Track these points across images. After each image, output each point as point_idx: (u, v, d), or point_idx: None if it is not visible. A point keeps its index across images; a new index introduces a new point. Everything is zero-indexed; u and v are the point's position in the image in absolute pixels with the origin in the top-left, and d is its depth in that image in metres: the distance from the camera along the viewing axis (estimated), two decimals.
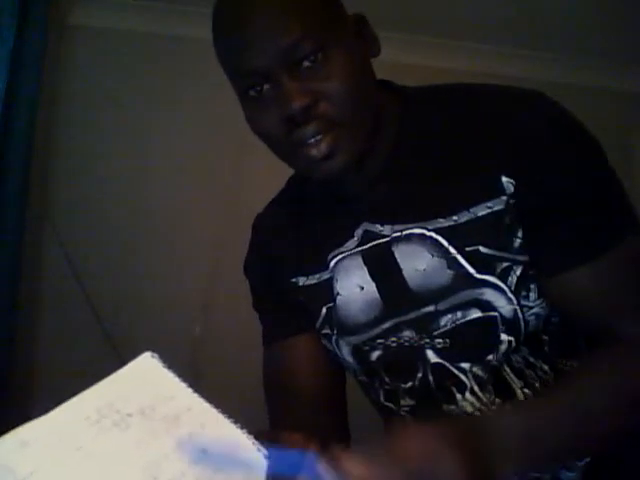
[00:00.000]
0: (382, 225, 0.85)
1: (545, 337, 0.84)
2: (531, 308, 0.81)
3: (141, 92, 2.25)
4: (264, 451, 0.63)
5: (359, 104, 0.78)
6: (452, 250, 0.81)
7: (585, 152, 0.80)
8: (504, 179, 0.79)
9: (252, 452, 0.63)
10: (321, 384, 0.96)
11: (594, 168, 0.80)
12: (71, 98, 2.21)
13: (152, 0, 2.24)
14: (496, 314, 0.81)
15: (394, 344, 0.87)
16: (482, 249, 0.80)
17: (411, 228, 0.83)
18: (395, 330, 0.86)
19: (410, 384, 0.88)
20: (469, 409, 0.85)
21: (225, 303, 2.20)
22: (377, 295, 0.87)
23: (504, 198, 0.79)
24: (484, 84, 0.86)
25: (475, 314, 0.81)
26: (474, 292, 0.81)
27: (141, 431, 0.65)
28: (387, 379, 0.90)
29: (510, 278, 0.80)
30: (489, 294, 0.81)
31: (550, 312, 0.82)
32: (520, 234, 0.80)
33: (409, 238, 0.83)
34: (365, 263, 0.87)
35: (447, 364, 0.85)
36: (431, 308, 0.83)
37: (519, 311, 0.81)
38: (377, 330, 0.88)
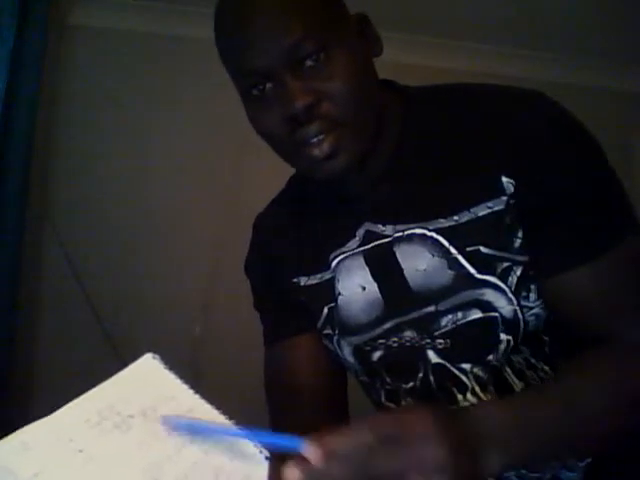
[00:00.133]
0: (384, 225, 0.85)
1: (546, 338, 0.84)
2: (531, 309, 0.81)
3: (141, 92, 2.25)
4: (265, 452, 0.63)
5: (362, 104, 0.78)
6: (453, 250, 0.81)
7: (585, 152, 0.80)
8: (504, 179, 0.79)
9: (253, 453, 0.63)
10: (322, 384, 0.96)
11: (594, 168, 0.80)
12: (71, 98, 2.21)
13: (152, 0, 2.24)
14: (496, 314, 0.81)
15: (395, 344, 0.87)
16: (483, 249, 0.80)
17: (412, 228, 0.83)
18: (396, 330, 0.86)
19: (411, 384, 0.88)
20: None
21: (225, 303, 2.20)
22: (379, 295, 0.87)
23: (504, 198, 0.79)
24: (484, 84, 0.86)
25: (475, 314, 0.81)
26: (475, 292, 0.81)
27: (143, 433, 0.65)
28: (388, 379, 0.90)
29: (510, 278, 0.80)
30: (490, 294, 0.81)
31: (550, 313, 0.82)
32: (520, 234, 0.80)
33: (410, 238, 0.83)
34: (367, 263, 0.87)
35: (448, 365, 0.85)
36: (432, 308, 0.83)
37: (519, 311, 0.81)
38: (378, 330, 0.88)
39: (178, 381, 0.69)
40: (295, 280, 0.95)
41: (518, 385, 0.84)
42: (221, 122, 2.14)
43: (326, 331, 0.93)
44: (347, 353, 0.92)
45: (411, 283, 0.84)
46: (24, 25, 2.00)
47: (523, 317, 0.81)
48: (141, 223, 2.25)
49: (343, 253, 0.89)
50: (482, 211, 0.80)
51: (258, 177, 1.90)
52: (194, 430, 0.64)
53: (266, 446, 0.64)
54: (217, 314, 2.27)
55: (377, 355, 0.89)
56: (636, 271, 0.80)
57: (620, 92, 2.63)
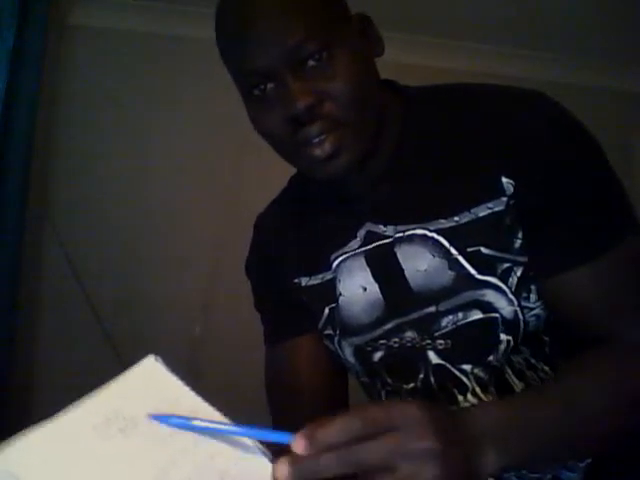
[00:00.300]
0: (385, 226, 0.85)
1: (546, 338, 0.84)
2: (532, 309, 0.81)
3: (141, 92, 2.25)
4: (269, 455, 0.63)
5: (363, 104, 0.78)
6: (453, 251, 0.81)
7: (585, 152, 0.80)
8: (504, 180, 0.79)
9: (257, 456, 0.63)
10: (323, 385, 0.96)
11: (594, 168, 0.80)
12: (71, 98, 2.21)
13: (152, 0, 2.24)
14: (497, 315, 0.81)
15: (396, 345, 0.87)
16: (483, 250, 0.80)
17: (413, 229, 0.83)
18: (397, 331, 0.86)
19: (412, 385, 0.88)
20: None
21: (225, 303, 2.20)
22: (380, 296, 0.87)
23: (504, 199, 0.79)
24: (484, 84, 0.86)
25: (476, 315, 0.81)
26: (475, 293, 0.81)
27: (147, 437, 0.64)
28: (389, 380, 0.90)
29: (511, 279, 0.80)
30: (490, 295, 0.81)
31: (550, 313, 0.82)
32: (520, 235, 0.80)
33: (411, 239, 0.83)
34: (368, 264, 0.87)
35: (448, 365, 0.85)
36: (432, 309, 0.83)
37: (520, 312, 0.81)
38: (379, 331, 0.88)
39: (180, 383, 0.69)
40: (296, 280, 0.95)
41: (518, 385, 0.84)
42: (221, 122, 2.14)
43: (327, 332, 0.93)
44: (348, 354, 0.92)
45: (412, 284, 0.84)
46: (24, 25, 2.00)
47: (523, 318, 0.81)
48: (141, 223, 2.25)
49: (344, 254, 0.89)
50: (482, 212, 0.80)
51: (258, 177, 1.90)
52: (183, 426, 0.64)
53: (257, 441, 0.63)
54: (217, 314, 2.27)
55: (378, 356, 0.89)
56: (636, 271, 0.80)
57: (620, 92, 2.63)
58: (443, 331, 0.83)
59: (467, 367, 0.84)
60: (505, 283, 0.80)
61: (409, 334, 0.86)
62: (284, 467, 0.57)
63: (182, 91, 2.25)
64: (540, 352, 0.84)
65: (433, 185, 0.83)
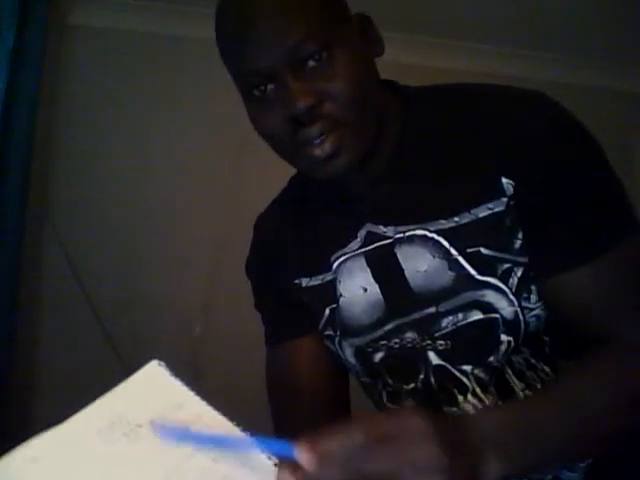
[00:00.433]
0: (385, 226, 0.85)
1: (546, 338, 0.84)
2: (532, 310, 0.81)
3: (141, 92, 2.25)
4: (274, 460, 0.63)
5: (363, 104, 0.78)
6: (453, 251, 0.81)
7: (585, 152, 0.80)
8: (504, 180, 0.79)
9: (261, 459, 0.63)
10: (324, 385, 0.96)
11: (594, 168, 0.80)
12: (71, 98, 2.21)
13: (152, 0, 2.24)
14: (497, 316, 0.81)
15: (397, 346, 0.87)
16: (483, 250, 0.80)
17: (413, 229, 0.83)
18: (398, 331, 0.86)
19: (412, 386, 0.88)
20: (471, 411, 0.84)
21: (225, 303, 2.20)
22: (380, 297, 0.87)
23: (504, 199, 0.79)
24: (484, 84, 0.86)
25: (476, 316, 0.81)
26: (475, 294, 0.81)
27: (151, 442, 0.64)
28: (390, 381, 0.90)
29: (511, 280, 0.80)
30: (490, 296, 0.81)
31: (550, 313, 0.82)
32: (521, 235, 0.80)
33: (411, 239, 0.83)
34: (368, 264, 0.87)
35: (449, 366, 0.85)
36: (432, 309, 0.83)
37: (520, 313, 0.81)
38: (380, 332, 0.88)
39: (184, 388, 0.69)
40: (296, 281, 0.95)
41: (518, 385, 0.84)
42: (221, 122, 2.14)
43: (327, 332, 0.93)
44: (349, 354, 0.92)
45: (412, 284, 0.84)
46: (24, 25, 2.00)
47: (524, 318, 0.81)
48: (141, 223, 2.25)
49: (344, 254, 0.89)
50: (482, 212, 0.80)
51: (258, 177, 1.89)
52: (184, 438, 0.64)
53: (260, 451, 0.63)
54: (217, 314, 2.27)
55: (378, 356, 0.89)
56: (636, 271, 0.80)
57: (620, 92, 2.63)
58: (443, 332, 0.83)
59: (467, 367, 0.84)
60: (505, 284, 0.80)
61: (409, 335, 0.86)
62: (287, 477, 0.56)
63: (182, 91, 2.25)
64: (540, 352, 0.84)
65: (433, 185, 0.83)
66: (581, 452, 0.77)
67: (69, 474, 0.63)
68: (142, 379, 0.70)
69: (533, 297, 0.81)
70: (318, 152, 0.77)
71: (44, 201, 2.18)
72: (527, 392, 0.83)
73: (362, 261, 0.87)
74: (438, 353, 0.85)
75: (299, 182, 0.98)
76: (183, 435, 0.63)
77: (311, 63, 0.75)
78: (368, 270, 0.87)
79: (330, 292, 0.90)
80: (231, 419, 0.67)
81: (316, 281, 0.92)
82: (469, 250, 0.80)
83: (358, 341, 0.90)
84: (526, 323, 0.81)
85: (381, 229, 0.85)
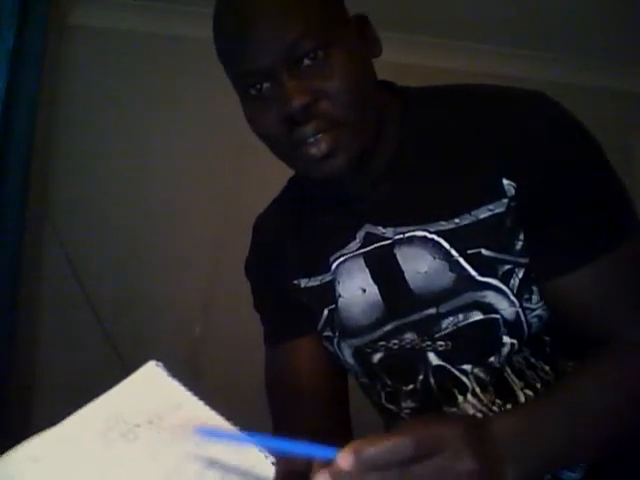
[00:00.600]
0: (384, 227, 0.85)
1: (547, 338, 0.83)
2: (533, 310, 0.81)
3: (141, 92, 2.25)
4: (271, 458, 0.63)
5: (360, 103, 0.78)
6: (454, 253, 0.81)
7: (585, 152, 0.80)
8: (505, 181, 0.79)
9: (260, 459, 0.63)
10: (323, 385, 0.96)
11: (594, 168, 0.80)
12: (71, 98, 2.21)
13: (152, 0, 2.24)
14: (498, 316, 0.81)
15: (396, 346, 0.87)
16: (484, 252, 0.80)
17: (413, 230, 0.83)
18: (397, 332, 0.86)
19: (411, 386, 0.88)
20: (470, 411, 0.84)
21: (225, 303, 2.20)
22: (379, 297, 0.86)
23: (505, 201, 0.79)
24: (484, 85, 0.86)
25: (477, 316, 0.81)
26: (476, 295, 0.81)
27: (149, 442, 0.64)
28: (388, 381, 0.90)
29: (512, 281, 0.80)
30: (491, 297, 0.80)
31: (552, 313, 0.82)
32: (521, 236, 0.80)
33: (411, 240, 0.83)
34: (367, 265, 0.87)
35: (448, 366, 0.85)
36: (432, 310, 0.83)
37: (521, 313, 0.81)
38: (379, 332, 0.88)
39: (182, 388, 0.69)
40: (295, 282, 0.95)
41: (518, 384, 0.84)
42: (221, 122, 2.14)
43: (326, 333, 0.93)
44: (347, 355, 0.92)
45: (412, 285, 0.83)
46: (24, 25, 2.00)
47: (526, 319, 0.81)
48: (141, 223, 2.25)
49: (343, 255, 0.88)
50: (483, 214, 0.80)
51: (258, 177, 1.89)
52: (219, 437, 0.63)
53: (299, 455, 0.62)
54: (217, 314, 2.27)
55: (377, 357, 0.89)
56: (636, 271, 0.80)
57: (620, 92, 2.63)
58: (443, 332, 0.83)
59: (467, 367, 0.84)
60: (506, 284, 0.80)
61: (409, 335, 0.86)
62: (325, 478, 0.56)
63: (182, 91, 2.25)
64: (541, 352, 0.84)
65: (433, 186, 0.83)
66: (586, 453, 0.77)
67: (68, 473, 0.63)
68: (140, 379, 0.71)
69: (534, 297, 0.81)
70: (314, 151, 0.77)
71: (44, 201, 2.18)
72: (527, 391, 0.83)
73: (361, 262, 0.87)
74: (438, 354, 0.85)
75: (298, 182, 0.98)
76: (221, 434, 0.63)
77: (307, 62, 0.75)
78: (367, 271, 0.87)
79: (329, 293, 0.90)
80: (231, 419, 0.67)
81: (315, 282, 0.92)
82: (470, 251, 0.80)
83: (357, 342, 0.90)
84: (528, 324, 0.81)
85: (380, 230, 0.85)
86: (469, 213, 0.80)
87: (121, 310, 2.20)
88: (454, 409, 0.85)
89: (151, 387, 0.70)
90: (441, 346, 0.84)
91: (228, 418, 0.68)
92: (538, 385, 0.84)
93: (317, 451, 0.58)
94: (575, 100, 0.91)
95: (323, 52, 0.75)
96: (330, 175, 0.79)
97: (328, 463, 0.57)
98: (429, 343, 0.85)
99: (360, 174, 0.84)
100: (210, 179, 2.27)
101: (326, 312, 0.91)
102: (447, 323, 0.83)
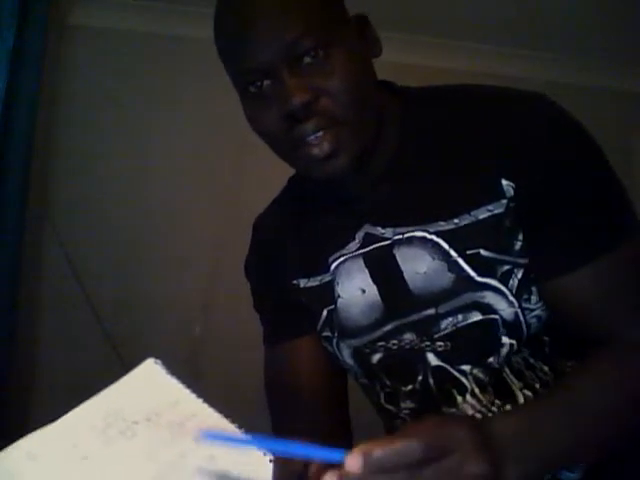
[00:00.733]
0: (384, 228, 0.85)
1: (546, 338, 0.84)
2: (532, 310, 0.81)
3: (141, 92, 2.25)
4: (269, 456, 0.63)
5: (360, 102, 0.78)
6: (453, 253, 0.81)
7: (585, 152, 0.80)
8: (504, 182, 0.79)
9: (258, 457, 0.63)
10: (323, 385, 0.96)
11: (594, 168, 0.80)
12: (71, 98, 2.21)
13: (152, 0, 2.24)
14: (497, 317, 0.81)
15: (395, 347, 0.87)
16: (483, 252, 0.80)
17: (412, 231, 0.83)
18: (396, 333, 0.86)
19: (411, 387, 0.88)
20: (469, 411, 0.84)
21: (225, 303, 2.20)
22: (378, 298, 0.86)
23: (504, 201, 0.79)
24: (484, 85, 0.86)
25: (476, 317, 0.81)
26: (475, 295, 0.81)
27: (147, 439, 0.64)
28: (388, 382, 0.90)
29: (511, 281, 0.80)
30: (490, 297, 0.80)
31: (551, 314, 0.82)
32: (521, 237, 0.80)
33: (410, 241, 0.83)
34: (367, 266, 0.87)
35: (448, 367, 0.85)
36: (432, 311, 0.83)
37: (520, 314, 0.81)
38: (378, 333, 0.87)
39: (180, 386, 0.69)
40: (295, 282, 0.95)
41: (517, 385, 0.84)
42: (221, 122, 2.14)
43: (325, 333, 0.93)
44: (346, 355, 0.92)
45: (411, 286, 0.83)
46: (24, 25, 2.00)
47: (525, 319, 0.81)
48: (141, 223, 2.25)
49: (343, 255, 0.88)
50: (482, 214, 0.80)
51: (258, 177, 1.89)
52: (227, 441, 0.63)
53: (306, 458, 0.62)
54: (217, 314, 2.27)
55: (376, 358, 0.89)
56: (636, 271, 0.80)
57: (620, 92, 2.63)
58: (443, 333, 0.83)
59: (466, 368, 0.84)
60: (505, 285, 0.80)
61: (408, 336, 0.86)
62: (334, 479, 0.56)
63: (182, 91, 2.25)
64: (540, 352, 0.84)
65: (433, 187, 0.83)
66: (587, 453, 0.77)
67: (65, 470, 0.63)
68: (138, 377, 0.71)
69: (533, 298, 0.81)
70: (316, 151, 0.77)
71: (44, 201, 2.18)
72: (525, 391, 0.84)
73: (360, 262, 0.87)
74: (437, 354, 0.85)
75: (298, 182, 0.98)
76: (227, 438, 0.63)
77: (307, 60, 0.76)
78: (366, 271, 0.87)
79: (328, 293, 0.90)
80: (231, 419, 0.67)
81: (314, 282, 0.92)
82: (469, 252, 0.80)
83: (356, 342, 0.90)
84: (527, 324, 0.81)
85: (379, 230, 0.85)
86: (468, 213, 0.80)
87: (121, 310, 2.20)
88: (453, 410, 0.85)
89: (149, 384, 0.70)
90: (440, 347, 0.84)
91: (228, 418, 0.68)
92: (537, 385, 0.84)
93: (325, 454, 0.58)
94: (575, 100, 0.91)
95: (323, 51, 0.76)
96: (332, 175, 0.79)
97: (329, 464, 0.57)
98: (428, 343, 0.85)
99: (360, 174, 0.84)
100: (210, 179, 2.27)
101: (325, 312, 0.91)
102: (446, 324, 0.83)
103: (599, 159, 0.81)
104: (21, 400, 2.09)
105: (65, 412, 0.69)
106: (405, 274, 0.84)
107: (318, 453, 0.59)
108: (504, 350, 0.82)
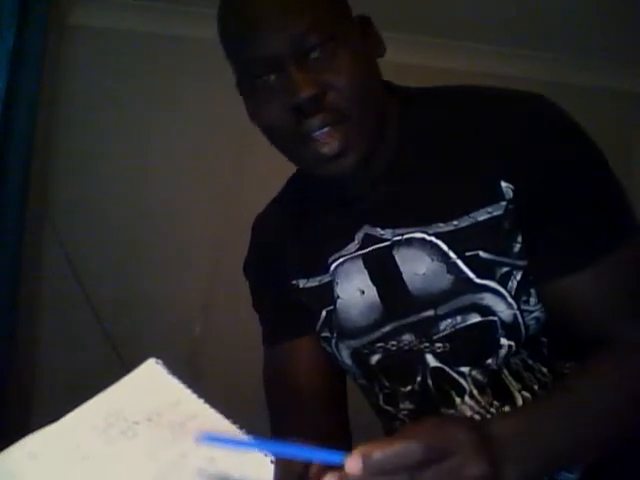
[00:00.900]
0: (383, 229, 0.85)
1: (544, 339, 0.84)
2: (531, 312, 0.81)
3: (141, 92, 2.25)
4: (270, 457, 0.63)
5: (367, 100, 0.78)
6: (452, 255, 0.81)
7: (584, 153, 0.80)
8: (503, 184, 0.79)
9: (259, 458, 0.63)
10: (322, 386, 0.96)
11: (593, 168, 0.80)
12: (71, 98, 2.21)
13: (152, 0, 2.24)
14: (495, 319, 0.81)
15: (394, 348, 0.87)
16: (482, 254, 0.80)
17: (412, 232, 0.83)
18: (395, 334, 0.86)
19: (409, 388, 0.88)
20: (468, 413, 0.84)
21: (225, 303, 2.20)
22: (377, 299, 0.86)
23: (503, 203, 0.79)
24: (483, 86, 0.86)
25: (475, 319, 0.81)
26: (474, 297, 0.81)
27: (148, 439, 0.64)
28: (386, 383, 0.90)
29: (510, 283, 0.80)
30: (489, 299, 0.80)
31: (550, 315, 0.82)
32: (520, 239, 0.80)
33: (410, 242, 0.83)
34: (366, 267, 0.87)
35: (446, 368, 0.85)
36: (431, 312, 0.83)
37: (519, 315, 0.81)
38: (377, 334, 0.87)
39: (181, 386, 0.69)
40: (294, 282, 0.94)
41: (515, 386, 0.84)
42: (221, 122, 2.14)
43: (324, 334, 0.93)
44: (345, 356, 0.92)
45: (410, 287, 0.83)
46: (24, 25, 2.00)
47: (523, 321, 0.81)
48: (141, 223, 2.24)
49: (342, 256, 0.88)
50: (481, 216, 0.80)
51: (258, 177, 1.89)
52: (227, 444, 0.63)
53: (306, 459, 0.62)
54: (217, 314, 2.27)
55: (375, 358, 0.89)
56: (636, 273, 0.80)
57: (620, 92, 2.63)
58: (441, 334, 0.83)
59: (465, 369, 0.84)
60: (504, 287, 0.80)
61: (407, 337, 0.86)
62: None
63: (182, 91, 2.25)
64: (538, 353, 0.84)
65: (432, 187, 0.83)
66: (587, 454, 0.77)
67: (66, 470, 0.63)
68: (139, 377, 0.71)
69: (532, 300, 0.81)
70: (325, 149, 0.77)
71: (44, 201, 2.18)
72: (524, 393, 0.84)
73: (359, 263, 0.87)
74: (436, 355, 0.85)
75: (298, 182, 0.98)
76: (227, 441, 0.62)
77: (315, 55, 0.76)
78: (366, 272, 0.87)
79: (327, 294, 0.90)
80: (232, 419, 0.67)
81: (313, 282, 0.92)
82: (468, 253, 0.80)
83: (355, 343, 0.90)
84: (526, 326, 0.81)
85: (379, 232, 0.85)
86: (468, 215, 0.80)
87: (121, 310, 2.20)
88: (452, 411, 0.85)
89: (150, 384, 0.70)
90: (439, 348, 0.84)
91: (228, 418, 0.68)
92: (535, 387, 0.84)
93: (325, 456, 0.58)
94: (575, 100, 0.91)
95: (331, 47, 0.76)
96: (338, 174, 0.79)
97: (329, 466, 0.57)
98: (427, 345, 0.85)
99: (360, 174, 0.83)
100: (210, 179, 2.27)
101: (324, 313, 0.91)
102: (445, 325, 0.83)
103: (598, 160, 0.81)
104: (21, 400, 2.09)
105: (65, 412, 0.69)
106: (404, 275, 0.84)
107: (318, 455, 0.59)
108: (503, 352, 0.82)
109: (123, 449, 0.64)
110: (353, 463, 0.55)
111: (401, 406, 0.90)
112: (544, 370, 0.84)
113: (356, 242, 0.87)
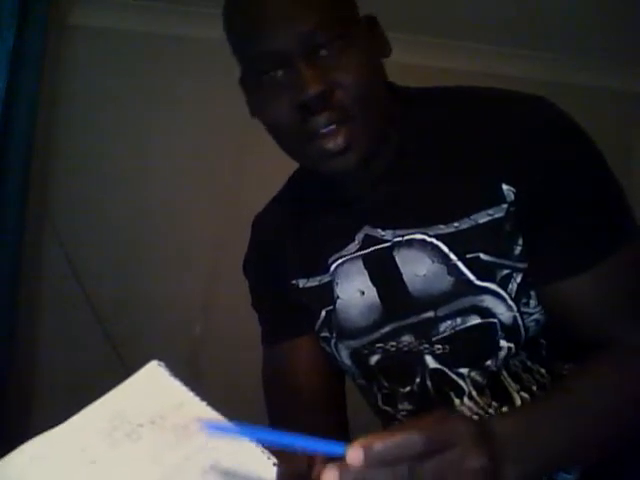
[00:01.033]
0: (383, 230, 0.85)
1: (543, 341, 0.84)
2: (531, 314, 0.81)
3: (141, 92, 2.25)
4: (274, 459, 0.63)
5: (373, 99, 0.78)
6: (452, 256, 0.81)
7: (584, 154, 0.80)
8: (504, 187, 0.79)
9: (262, 461, 0.63)
10: (321, 385, 0.96)
11: (593, 169, 0.80)
12: (71, 98, 2.20)
13: (152, 0, 2.24)
14: (495, 321, 0.81)
15: (393, 349, 0.87)
16: (482, 256, 0.80)
17: (412, 233, 0.83)
18: (394, 335, 0.86)
19: (408, 389, 0.88)
20: (467, 414, 0.84)
21: (225, 303, 2.20)
22: (377, 300, 0.86)
23: (504, 206, 0.79)
24: (484, 87, 0.86)
25: (474, 320, 0.81)
26: (474, 299, 0.81)
27: (152, 442, 0.64)
28: (385, 383, 0.90)
29: (510, 285, 0.80)
30: (489, 301, 0.80)
31: (549, 317, 0.82)
32: (520, 241, 0.80)
33: (410, 243, 0.83)
34: (366, 268, 0.87)
35: (446, 369, 0.85)
36: (430, 314, 0.83)
37: (519, 318, 0.81)
38: (376, 334, 0.87)
39: (184, 388, 0.69)
40: (294, 282, 0.95)
41: (514, 388, 0.84)
42: (221, 122, 2.14)
43: (323, 334, 0.93)
44: (344, 356, 0.92)
45: (410, 288, 0.83)
46: (24, 25, 2.00)
47: (523, 323, 0.81)
48: (141, 223, 2.24)
49: (342, 257, 0.88)
50: (482, 218, 0.80)
51: (258, 177, 1.89)
52: (229, 432, 0.63)
53: (307, 451, 0.62)
54: (217, 314, 2.27)
55: (375, 359, 0.89)
56: (636, 275, 0.80)
57: (620, 92, 2.62)
58: (441, 336, 0.83)
59: (464, 371, 0.84)
60: (504, 289, 0.80)
61: (406, 338, 0.86)
62: (333, 474, 0.55)
63: (182, 91, 2.25)
64: (537, 355, 0.84)
65: (433, 188, 0.83)
66: (586, 455, 0.77)
67: (70, 474, 0.63)
68: (142, 379, 0.71)
69: (532, 302, 0.81)
70: (330, 145, 0.76)
71: (44, 201, 2.17)
72: (523, 394, 0.84)
73: (360, 264, 0.87)
74: (435, 357, 0.85)
75: (298, 182, 0.98)
76: (227, 429, 0.62)
77: (323, 52, 0.76)
78: (366, 273, 0.87)
79: (327, 294, 0.90)
80: (231, 419, 0.67)
81: (313, 282, 0.92)
82: (468, 255, 0.80)
83: (354, 343, 0.90)
84: (526, 328, 0.81)
85: (379, 232, 0.85)
86: (468, 217, 0.80)
87: (121, 310, 2.20)
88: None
89: (153, 387, 0.70)
90: (438, 349, 0.84)
91: (228, 418, 0.68)
92: (534, 388, 0.84)
93: (325, 446, 0.58)
94: (575, 100, 0.91)
95: (339, 46, 0.76)
96: (341, 171, 0.79)
97: (332, 459, 0.57)
98: (426, 346, 0.85)
99: (363, 174, 0.83)
100: (210, 179, 2.27)
101: (324, 313, 0.91)
102: (445, 326, 0.83)
103: (598, 161, 0.81)
104: (21, 400, 2.08)
105: (65, 412, 0.69)
106: (404, 276, 0.84)
107: (319, 446, 0.59)
108: (502, 353, 0.82)
109: (128, 452, 0.64)
110: (354, 454, 0.55)
111: (400, 407, 0.90)
112: (543, 371, 0.84)
113: (356, 242, 0.87)
